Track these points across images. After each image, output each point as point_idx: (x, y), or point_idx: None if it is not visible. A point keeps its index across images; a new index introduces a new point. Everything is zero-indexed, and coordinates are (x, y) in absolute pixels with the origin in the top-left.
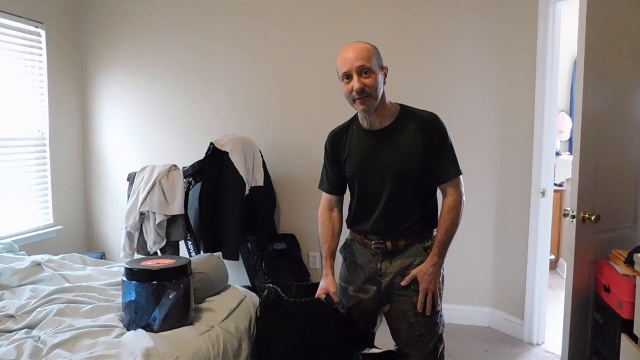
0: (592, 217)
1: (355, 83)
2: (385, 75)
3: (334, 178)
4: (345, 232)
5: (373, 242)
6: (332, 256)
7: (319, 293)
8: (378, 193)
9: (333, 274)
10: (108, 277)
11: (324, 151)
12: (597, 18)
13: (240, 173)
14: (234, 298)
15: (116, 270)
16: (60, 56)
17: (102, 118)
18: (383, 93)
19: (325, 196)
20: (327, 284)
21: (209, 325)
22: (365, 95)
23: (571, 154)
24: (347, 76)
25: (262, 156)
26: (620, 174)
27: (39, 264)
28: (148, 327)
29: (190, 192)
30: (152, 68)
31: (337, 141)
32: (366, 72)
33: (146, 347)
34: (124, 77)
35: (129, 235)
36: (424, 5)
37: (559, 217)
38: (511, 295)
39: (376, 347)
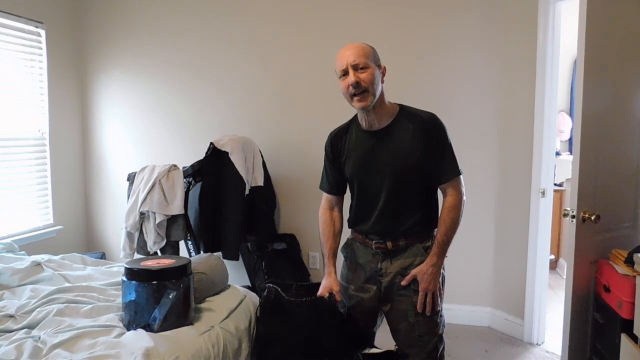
0: (592, 217)
1: (350, 77)
2: (383, 74)
3: (334, 178)
4: (347, 232)
5: (374, 242)
6: (334, 255)
7: (322, 292)
8: (377, 193)
9: (335, 273)
10: (108, 277)
11: (324, 152)
12: (597, 18)
13: (240, 173)
14: (234, 298)
15: (116, 270)
16: (60, 56)
17: (102, 118)
18: (382, 93)
19: (325, 196)
20: (330, 282)
21: (209, 325)
22: (362, 90)
23: (571, 154)
24: (344, 73)
25: (262, 156)
26: (620, 174)
27: (39, 264)
28: (148, 327)
29: (190, 192)
30: (152, 68)
31: (337, 142)
32: (362, 68)
33: (146, 347)
34: (124, 77)
35: (129, 235)
36: (424, 6)
37: (559, 217)
38: (511, 295)
39: (376, 347)
